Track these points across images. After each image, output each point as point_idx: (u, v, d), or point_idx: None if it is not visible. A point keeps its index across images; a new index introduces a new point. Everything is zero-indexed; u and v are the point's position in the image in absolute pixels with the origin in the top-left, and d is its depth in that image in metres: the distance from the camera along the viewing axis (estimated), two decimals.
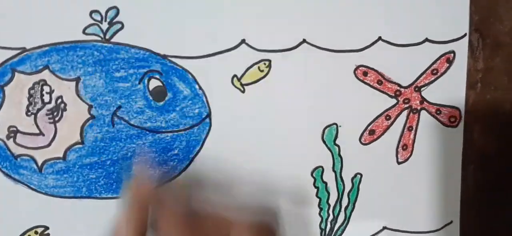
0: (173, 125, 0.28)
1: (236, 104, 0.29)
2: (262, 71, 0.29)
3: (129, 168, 0.28)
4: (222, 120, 0.29)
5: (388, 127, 0.31)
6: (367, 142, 0.31)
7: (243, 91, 0.29)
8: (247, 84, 0.29)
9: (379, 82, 0.30)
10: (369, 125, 0.31)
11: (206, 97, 0.28)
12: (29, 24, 0.25)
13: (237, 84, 0.28)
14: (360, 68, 0.30)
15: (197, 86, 0.28)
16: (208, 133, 0.29)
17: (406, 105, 0.30)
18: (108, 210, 0.28)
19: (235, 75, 0.28)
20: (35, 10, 0.25)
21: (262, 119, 0.29)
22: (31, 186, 0.27)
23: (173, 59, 0.27)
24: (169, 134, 0.28)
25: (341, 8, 0.29)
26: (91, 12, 0.26)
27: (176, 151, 0.28)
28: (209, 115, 0.28)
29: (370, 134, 0.31)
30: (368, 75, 0.30)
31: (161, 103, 0.28)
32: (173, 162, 0.28)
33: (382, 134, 0.31)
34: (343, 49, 0.29)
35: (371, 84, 0.30)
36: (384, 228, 0.32)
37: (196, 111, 0.28)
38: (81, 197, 0.28)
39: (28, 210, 0.27)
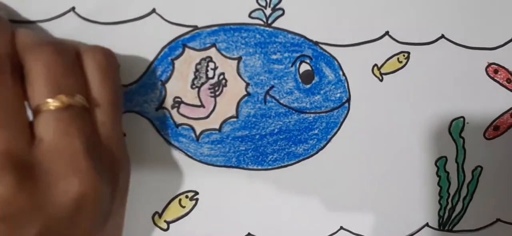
0: (316, 107, 0.31)
1: (374, 91, 0.31)
2: (400, 62, 0.31)
3: (274, 143, 0.31)
4: (359, 105, 0.31)
5: None
6: (491, 137, 0.33)
7: (381, 80, 0.31)
8: (386, 74, 0.31)
9: (508, 81, 0.32)
10: (494, 121, 0.33)
11: (347, 83, 0.31)
12: (202, 5, 0.28)
13: (377, 73, 0.31)
14: (492, 66, 0.32)
15: (341, 72, 0.31)
16: (346, 116, 0.31)
17: None
18: (253, 180, 0.31)
19: (375, 65, 0.31)
20: None
21: (396, 106, 0.32)
22: (188, 153, 0.30)
23: (323, 46, 0.30)
24: (312, 115, 0.31)
25: (479, 6, 0.31)
26: None
27: (316, 131, 0.31)
28: (348, 100, 0.31)
29: (495, 130, 0.33)
30: (499, 73, 0.32)
31: (308, 86, 0.30)
32: (312, 140, 0.31)
33: (506, 130, 0.33)
34: (478, 47, 0.31)
35: (501, 82, 0.32)
36: (498, 220, 0.34)
37: (338, 95, 0.31)
38: (231, 166, 0.31)
39: (182, 175, 0.30)
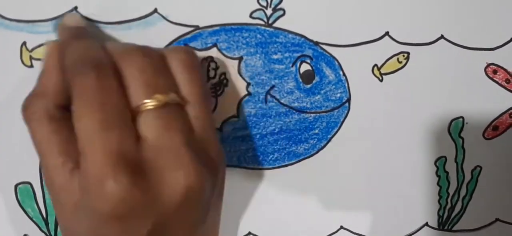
0: (316, 107, 0.31)
1: (374, 91, 0.32)
2: (400, 62, 0.31)
3: (275, 142, 0.31)
4: (359, 105, 0.32)
5: (511, 125, 0.33)
6: (490, 137, 0.33)
7: (381, 80, 0.31)
8: (386, 74, 0.31)
9: (507, 81, 0.33)
10: (493, 121, 0.33)
11: (347, 83, 0.31)
12: (204, 5, 0.29)
13: (377, 73, 0.31)
14: (491, 66, 0.32)
15: (341, 72, 0.31)
16: (346, 116, 0.32)
17: None
18: (254, 179, 0.31)
19: (375, 65, 0.31)
20: None
21: (396, 106, 0.32)
22: None
23: (324, 46, 0.30)
24: (312, 115, 0.31)
25: (478, 7, 0.31)
26: None
27: (316, 131, 0.31)
28: (348, 100, 0.31)
29: (494, 130, 0.33)
30: (498, 73, 0.32)
31: (309, 85, 0.31)
32: (313, 140, 0.32)
33: (505, 130, 0.33)
34: (477, 47, 0.32)
35: (499, 82, 0.32)
36: (497, 219, 0.35)
37: (338, 95, 0.31)
38: (231, 166, 0.31)
39: None
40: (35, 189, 0.29)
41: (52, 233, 0.30)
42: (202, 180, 0.23)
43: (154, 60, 0.24)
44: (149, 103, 0.22)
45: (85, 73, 0.22)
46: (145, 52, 0.24)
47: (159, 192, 0.22)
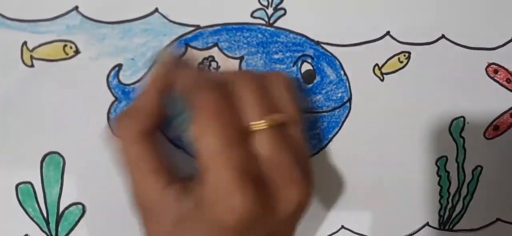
0: (317, 107, 0.31)
1: (375, 91, 0.32)
2: (401, 62, 0.32)
3: None
4: (360, 104, 0.32)
5: None
6: (490, 136, 0.33)
7: (382, 80, 0.32)
8: (387, 74, 0.32)
9: (508, 81, 0.33)
10: (494, 120, 0.33)
11: (348, 83, 0.31)
12: (205, 4, 0.29)
13: (378, 72, 0.31)
14: (492, 66, 0.32)
15: (342, 72, 0.31)
16: (347, 116, 0.32)
17: None
18: None
19: (376, 64, 0.31)
20: None
21: (397, 106, 0.32)
22: (190, 153, 0.30)
23: (325, 46, 0.31)
24: (313, 115, 0.31)
25: (479, 7, 0.31)
26: None
27: (317, 131, 0.32)
28: (349, 100, 0.31)
29: (495, 130, 0.33)
30: (499, 73, 0.32)
31: (310, 85, 0.31)
32: (314, 140, 0.32)
33: (506, 130, 0.33)
34: (478, 47, 0.32)
35: (500, 81, 0.33)
36: (498, 219, 0.35)
37: (339, 95, 0.31)
38: None
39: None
40: (36, 188, 0.29)
41: (53, 233, 0.30)
42: (310, 195, 0.25)
43: (262, 82, 0.25)
44: (263, 123, 0.24)
45: (208, 91, 0.23)
46: (253, 75, 0.26)
47: (275, 206, 0.23)
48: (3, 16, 0.27)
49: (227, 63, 0.30)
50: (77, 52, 0.28)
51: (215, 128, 0.22)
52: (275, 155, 0.24)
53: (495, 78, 0.33)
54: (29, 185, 0.29)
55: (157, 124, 0.26)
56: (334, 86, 0.31)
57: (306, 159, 0.26)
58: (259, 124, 0.24)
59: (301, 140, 0.26)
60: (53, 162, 0.29)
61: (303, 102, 0.28)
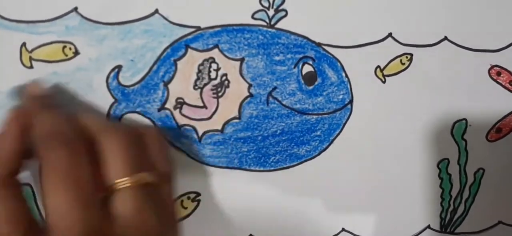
0: (318, 108, 0.31)
1: (376, 93, 0.31)
2: (403, 64, 0.31)
3: (277, 144, 0.31)
4: (362, 106, 0.32)
5: None
6: (493, 139, 0.33)
7: (384, 82, 0.31)
8: (389, 76, 0.31)
9: (511, 83, 0.33)
10: (496, 123, 0.33)
11: (350, 85, 0.31)
12: (205, 6, 0.29)
13: (379, 74, 0.31)
14: (495, 68, 0.32)
15: (343, 74, 0.31)
16: (348, 118, 0.32)
17: None
18: (255, 181, 0.31)
19: (378, 66, 0.31)
20: None
21: (399, 108, 0.32)
22: (190, 154, 0.30)
23: (326, 48, 0.30)
24: (315, 117, 0.31)
25: (482, 9, 0.31)
26: None
27: (318, 133, 0.31)
28: (351, 102, 0.31)
29: (497, 132, 0.33)
30: (501, 75, 0.32)
31: (311, 87, 0.31)
32: (315, 142, 0.32)
33: (509, 133, 0.33)
34: (481, 49, 0.32)
35: (503, 84, 0.32)
36: (499, 222, 0.35)
37: (340, 97, 0.31)
38: (233, 167, 0.31)
39: (184, 176, 0.30)
40: (35, 191, 0.29)
41: None
42: None
43: (134, 138, 0.24)
44: (127, 182, 0.23)
45: (57, 149, 0.22)
46: (125, 129, 0.24)
47: None
48: (2, 17, 0.27)
49: (227, 65, 0.29)
50: (76, 53, 0.28)
51: (62, 188, 0.21)
52: (134, 217, 0.23)
53: (498, 80, 0.32)
54: (29, 187, 0.29)
55: (16, 171, 0.24)
56: (336, 88, 0.31)
57: (174, 222, 0.26)
58: (123, 183, 0.23)
59: (171, 201, 0.25)
60: None
61: (172, 163, 0.27)
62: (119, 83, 0.28)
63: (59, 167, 0.22)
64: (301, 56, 0.30)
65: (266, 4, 0.29)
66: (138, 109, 0.29)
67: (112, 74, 0.28)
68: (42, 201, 0.22)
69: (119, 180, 0.23)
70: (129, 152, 0.23)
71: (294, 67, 0.30)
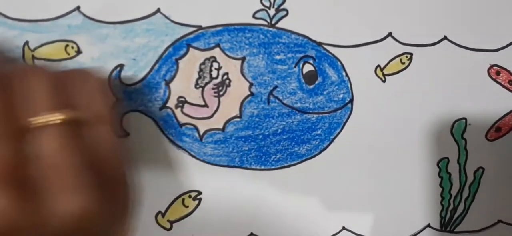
0: (319, 108, 0.31)
1: (377, 92, 0.32)
2: (403, 63, 0.32)
3: (277, 143, 0.31)
4: (362, 105, 0.32)
5: None
6: (492, 138, 0.34)
7: (384, 81, 0.32)
8: (389, 75, 0.32)
9: (510, 82, 0.33)
10: (496, 122, 0.33)
11: (350, 84, 0.31)
12: (207, 5, 0.29)
13: (380, 74, 0.32)
14: (494, 68, 0.33)
15: (344, 73, 0.31)
16: (348, 117, 0.32)
17: None
18: (256, 180, 0.32)
19: (378, 65, 0.32)
20: None
21: (399, 107, 0.32)
22: (191, 153, 0.31)
23: (327, 47, 0.31)
24: (315, 116, 0.32)
25: (481, 8, 0.32)
26: None
27: (319, 131, 0.32)
28: (351, 101, 0.32)
29: (497, 131, 0.34)
30: (501, 74, 0.33)
31: (311, 86, 0.31)
32: (315, 141, 0.32)
33: (508, 132, 0.34)
34: (480, 48, 0.32)
35: (502, 83, 0.33)
36: (499, 221, 0.35)
37: (341, 96, 0.32)
38: (234, 166, 0.31)
39: (185, 175, 0.31)
40: None
41: None
42: (100, 207, 0.21)
43: (49, 77, 0.22)
44: (41, 119, 0.21)
45: None
46: (41, 70, 0.23)
47: (48, 216, 0.20)
48: (5, 16, 0.27)
49: (228, 64, 0.30)
50: (78, 52, 0.28)
51: None
52: (55, 157, 0.21)
53: (497, 79, 0.33)
54: None
55: None
56: (336, 87, 0.31)
57: (108, 167, 0.23)
58: (37, 120, 0.21)
59: (106, 143, 0.23)
60: None
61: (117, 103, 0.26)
62: (121, 81, 0.29)
63: None
64: (301, 55, 0.31)
65: (267, 4, 0.29)
66: (139, 108, 0.29)
67: (114, 73, 0.29)
68: None
69: (37, 117, 0.21)
70: (48, 89, 0.22)
71: (295, 66, 0.31)
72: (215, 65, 0.30)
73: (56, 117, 0.21)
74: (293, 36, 0.30)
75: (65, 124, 0.21)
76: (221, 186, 0.31)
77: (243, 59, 0.30)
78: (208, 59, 0.30)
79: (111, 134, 0.24)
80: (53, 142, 0.21)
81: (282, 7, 0.30)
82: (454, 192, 0.34)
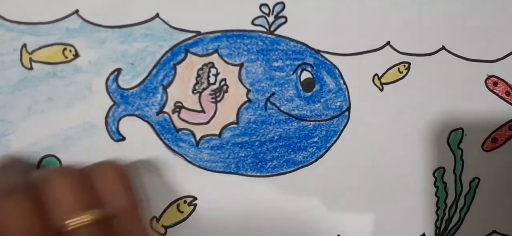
0: (316, 115, 0.32)
1: (374, 101, 0.33)
2: (401, 72, 0.33)
3: (274, 150, 0.32)
4: (359, 114, 0.33)
5: (510, 137, 0.34)
6: (489, 149, 0.35)
7: (381, 90, 0.33)
8: (386, 84, 0.33)
9: (507, 93, 0.34)
10: (492, 133, 0.34)
11: (348, 92, 0.32)
12: (205, 11, 0.30)
13: (377, 82, 0.32)
14: (491, 78, 0.33)
15: (341, 81, 0.32)
16: (345, 125, 0.33)
17: None
18: (251, 186, 0.32)
19: (376, 74, 0.32)
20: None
21: (396, 116, 0.33)
22: (187, 158, 0.31)
23: (325, 55, 0.31)
24: (312, 123, 0.32)
25: (480, 19, 0.32)
26: (261, 5, 0.30)
27: (316, 139, 0.33)
28: (348, 109, 0.32)
29: (493, 142, 0.34)
30: (498, 85, 0.34)
31: (309, 93, 0.32)
32: (312, 148, 0.33)
33: (504, 143, 0.35)
34: (478, 59, 0.33)
35: (500, 94, 0.34)
36: (494, 231, 0.36)
37: (338, 104, 0.32)
38: (229, 172, 0.32)
39: (181, 180, 0.31)
40: None
41: None
42: None
43: (74, 179, 0.25)
44: (71, 223, 0.23)
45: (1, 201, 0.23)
46: (65, 172, 0.25)
47: None
48: (3, 18, 0.27)
49: (226, 70, 0.30)
50: (76, 55, 0.29)
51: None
52: None
53: (495, 90, 0.34)
54: None
55: None
56: (333, 95, 0.32)
57: None
58: (67, 225, 0.23)
59: (137, 232, 0.26)
60: (49, 165, 0.29)
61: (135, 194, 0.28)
62: (118, 86, 0.29)
63: (2, 218, 0.23)
64: (299, 62, 0.31)
65: (266, 11, 0.30)
66: (136, 112, 0.30)
67: (111, 77, 0.29)
68: None
69: (62, 223, 0.23)
70: (68, 194, 0.24)
71: (293, 74, 0.31)
72: (213, 70, 0.30)
73: (86, 218, 0.24)
74: (291, 43, 0.31)
75: (95, 223, 0.24)
76: (216, 192, 0.32)
77: (241, 65, 0.31)
78: (206, 64, 0.30)
79: (139, 222, 0.26)
80: None
81: (281, 14, 0.30)
82: (449, 202, 0.35)
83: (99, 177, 0.26)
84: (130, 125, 0.30)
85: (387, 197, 0.34)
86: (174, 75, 0.30)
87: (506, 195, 0.35)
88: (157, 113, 0.30)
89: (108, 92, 0.29)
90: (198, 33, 0.30)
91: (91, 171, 0.26)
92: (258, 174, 0.32)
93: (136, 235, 0.26)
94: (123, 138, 0.30)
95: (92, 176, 0.26)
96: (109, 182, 0.26)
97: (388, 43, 0.32)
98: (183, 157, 0.31)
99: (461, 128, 0.34)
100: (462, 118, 0.34)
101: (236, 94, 0.31)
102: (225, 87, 0.31)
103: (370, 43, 0.32)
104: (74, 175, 0.25)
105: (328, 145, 0.33)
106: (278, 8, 0.30)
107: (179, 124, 0.31)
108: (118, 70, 0.29)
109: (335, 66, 0.32)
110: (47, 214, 0.24)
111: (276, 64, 0.31)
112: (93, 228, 0.24)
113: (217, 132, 0.31)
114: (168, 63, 0.30)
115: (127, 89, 0.29)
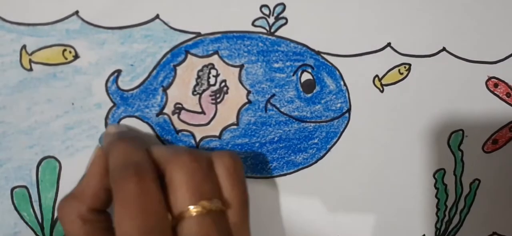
0: (316, 116, 0.32)
1: (374, 102, 0.33)
2: (402, 74, 0.33)
3: (274, 151, 0.32)
4: (360, 115, 0.33)
5: (511, 139, 0.35)
6: (489, 150, 0.35)
7: (382, 91, 0.33)
8: (387, 85, 0.33)
9: (508, 95, 0.34)
10: (493, 134, 0.35)
11: (348, 93, 0.32)
12: (206, 12, 0.30)
13: (378, 84, 0.33)
14: (492, 80, 0.34)
15: (342, 83, 0.32)
16: (346, 126, 0.33)
17: None
18: (252, 188, 0.32)
19: (376, 76, 0.33)
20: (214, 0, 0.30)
21: (396, 118, 0.33)
22: None
23: (325, 56, 0.32)
24: (312, 124, 0.33)
25: (480, 20, 0.33)
26: (261, 6, 0.30)
27: (316, 140, 0.33)
28: (349, 110, 0.33)
29: (493, 144, 0.35)
30: (499, 87, 0.34)
31: (309, 95, 0.32)
32: (312, 150, 0.33)
33: (505, 144, 0.35)
34: (478, 60, 0.33)
35: (500, 96, 0.34)
36: (494, 233, 0.36)
37: (338, 105, 0.33)
38: None
39: None
40: (31, 193, 0.30)
41: None
42: None
43: (203, 164, 0.26)
44: (193, 210, 0.24)
45: (126, 178, 0.24)
46: (194, 156, 0.25)
47: None
48: (3, 19, 0.28)
49: (227, 71, 0.31)
50: (76, 56, 0.29)
51: (130, 216, 0.23)
52: None
53: (495, 92, 0.34)
54: (25, 189, 0.30)
55: (102, 206, 0.27)
56: (334, 96, 0.32)
57: None
58: (189, 211, 0.24)
59: (240, 229, 0.26)
60: (49, 166, 0.30)
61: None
62: (118, 87, 0.30)
63: (127, 196, 0.23)
64: (300, 64, 0.31)
65: (267, 12, 0.30)
66: (136, 114, 0.30)
67: (111, 78, 0.29)
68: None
69: (184, 209, 0.24)
70: (194, 179, 0.25)
71: (293, 75, 0.32)
72: (213, 72, 0.31)
73: (204, 208, 0.24)
74: (292, 44, 0.31)
75: (210, 212, 0.24)
76: None
77: (241, 67, 0.31)
78: (206, 66, 0.30)
79: (245, 220, 0.27)
80: (199, 231, 0.24)
81: (281, 15, 0.31)
82: (449, 203, 0.35)
83: (220, 166, 0.26)
84: (130, 127, 0.30)
85: (387, 199, 0.34)
86: (174, 76, 0.30)
87: (506, 197, 0.36)
88: (157, 115, 0.30)
89: (108, 94, 0.29)
90: (198, 34, 0.30)
91: (214, 157, 0.27)
92: (258, 175, 0.33)
93: (243, 230, 0.26)
94: None
95: (214, 162, 0.26)
96: (228, 172, 0.26)
97: (388, 44, 0.32)
98: None
99: (462, 130, 0.34)
100: (462, 120, 0.34)
101: (236, 95, 0.31)
102: (225, 88, 0.31)
103: (370, 45, 0.32)
104: (202, 160, 0.26)
105: (329, 146, 0.33)
106: (278, 9, 0.30)
107: (179, 126, 0.31)
108: (118, 71, 0.29)
109: (335, 67, 0.32)
110: (170, 195, 0.24)
111: (276, 65, 0.31)
112: (205, 219, 0.24)
113: (217, 134, 0.31)
114: (168, 64, 0.30)
115: (127, 90, 0.30)
